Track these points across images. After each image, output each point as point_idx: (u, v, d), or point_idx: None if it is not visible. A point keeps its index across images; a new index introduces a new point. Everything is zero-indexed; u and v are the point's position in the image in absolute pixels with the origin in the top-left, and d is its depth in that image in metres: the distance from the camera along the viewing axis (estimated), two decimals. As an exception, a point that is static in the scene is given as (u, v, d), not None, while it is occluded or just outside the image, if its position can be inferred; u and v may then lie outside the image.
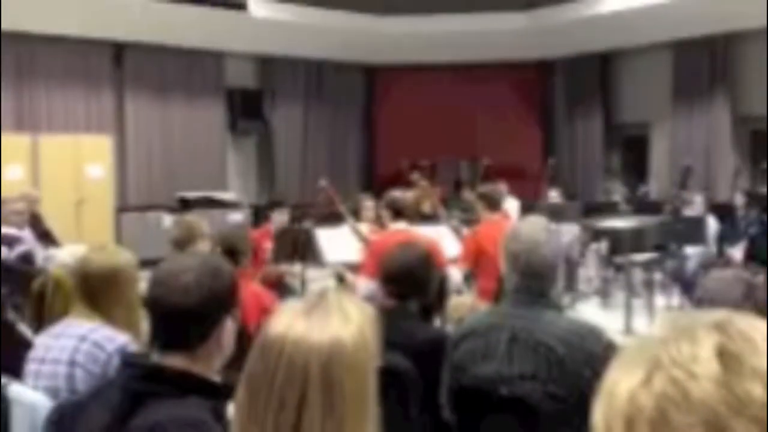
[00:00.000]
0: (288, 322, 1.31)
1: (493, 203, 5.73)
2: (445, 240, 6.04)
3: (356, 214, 7.06)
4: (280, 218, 6.92)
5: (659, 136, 12.72)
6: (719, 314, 0.77)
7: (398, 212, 5.45)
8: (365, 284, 4.87)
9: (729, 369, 0.71)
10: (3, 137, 10.09)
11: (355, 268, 6.08)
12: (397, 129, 14.12)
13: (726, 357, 0.72)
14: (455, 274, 5.54)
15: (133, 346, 2.58)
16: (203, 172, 12.51)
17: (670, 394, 0.71)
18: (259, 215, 11.40)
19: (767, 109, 10.32)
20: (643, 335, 0.80)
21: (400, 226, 5.39)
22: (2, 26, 9.99)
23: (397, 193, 5.65)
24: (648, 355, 0.75)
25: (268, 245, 6.53)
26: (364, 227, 6.56)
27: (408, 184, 10.14)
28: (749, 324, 0.75)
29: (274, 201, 7.40)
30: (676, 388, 0.71)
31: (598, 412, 0.77)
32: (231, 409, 1.39)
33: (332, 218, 7.06)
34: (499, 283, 3.74)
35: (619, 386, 0.75)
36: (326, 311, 1.33)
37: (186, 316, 1.73)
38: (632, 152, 13.41)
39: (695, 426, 0.69)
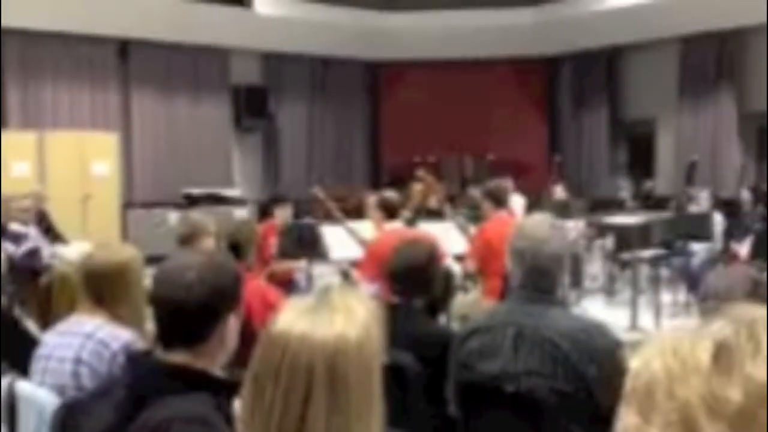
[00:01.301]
0: (292, 318, 1.31)
1: (499, 200, 5.72)
2: (450, 237, 6.03)
3: (361, 211, 7.04)
4: (282, 214, 6.88)
5: (665, 132, 12.69)
6: (753, 312, 0.79)
7: (391, 212, 5.45)
8: (366, 288, 4.86)
9: (718, 366, 0.73)
10: (9, 134, 10.12)
11: (359, 263, 6.08)
12: (402, 125, 14.11)
13: (720, 354, 0.73)
14: (455, 270, 5.54)
15: (139, 344, 2.58)
16: (209, 169, 12.52)
17: (660, 380, 0.75)
18: (264, 212, 11.41)
19: (773, 105, 10.29)
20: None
21: (395, 225, 5.39)
22: (8, 23, 10.02)
23: (389, 193, 5.64)
24: (661, 340, 0.79)
25: (273, 241, 6.52)
26: (369, 225, 6.54)
27: (413, 180, 10.10)
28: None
29: (277, 197, 7.36)
30: (666, 374, 0.75)
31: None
32: (236, 406, 1.39)
33: (331, 220, 7.01)
34: (505, 281, 3.74)
35: (631, 365, 0.80)
36: (331, 308, 1.33)
37: (189, 313, 1.74)
38: (638, 148, 13.37)
39: (672, 412, 0.73)
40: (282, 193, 8.44)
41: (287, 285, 6.11)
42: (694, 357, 0.74)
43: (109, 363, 2.54)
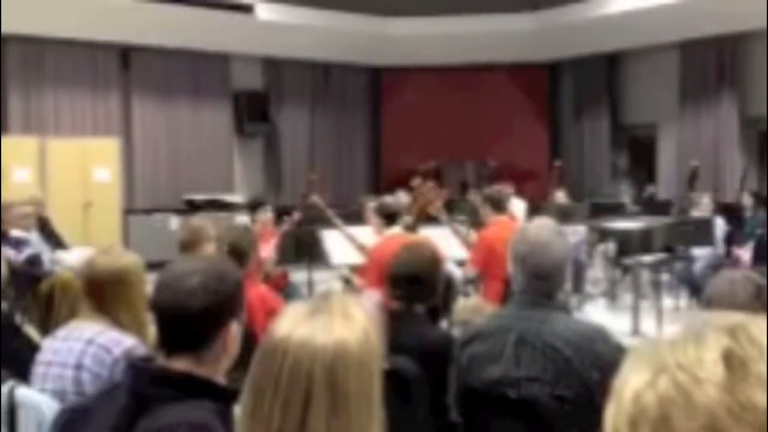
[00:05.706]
0: (292, 324, 1.31)
1: (498, 205, 5.72)
2: (450, 242, 6.03)
3: (360, 216, 7.01)
4: (264, 217, 6.80)
5: (666, 137, 12.68)
6: (733, 317, 0.77)
7: (390, 218, 5.45)
8: (370, 294, 4.84)
9: (734, 374, 0.70)
10: (10, 140, 10.14)
11: (360, 269, 6.06)
12: (403, 131, 14.11)
13: (732, 362, 0.71)
14: (456, 275, 5.54)
15: (141, 350, 2.58)
16: (210, 175, 12.53)
17: (674, 397, 0.71)
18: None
19: (775, 110, 10.29)
20: (654, 337, 0.80)
21: (395, 231, 5.38)
22: (10, 29, 10.03)
23: (387, 199, 5.63)
24: (656, 356, 0.75)
25: (265, 245, 6.43)
26: (369, 231, 6.51)
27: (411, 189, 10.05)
28: (761, 329, 0.74)
29: (256, 201, 7.29)
30: (679, 391, 0.71)
31: (608, 412, 0.77)
32: (237, 412, 1.39)
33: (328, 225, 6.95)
34: (507, 285, 3.74)
35: (626, 387, 0.75)
36: (330, 313, 1.32)
37: (191, 319, 1.73)
38: (639, 153, 13.37)
39: (696, 430, 0.69)
40: (260, 197, 8.36)
41: (283, 290, 6.08)
42: (706, 369, 0.71)
43: (110, 369, 2.53)
